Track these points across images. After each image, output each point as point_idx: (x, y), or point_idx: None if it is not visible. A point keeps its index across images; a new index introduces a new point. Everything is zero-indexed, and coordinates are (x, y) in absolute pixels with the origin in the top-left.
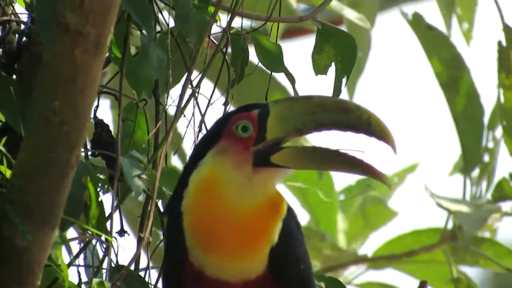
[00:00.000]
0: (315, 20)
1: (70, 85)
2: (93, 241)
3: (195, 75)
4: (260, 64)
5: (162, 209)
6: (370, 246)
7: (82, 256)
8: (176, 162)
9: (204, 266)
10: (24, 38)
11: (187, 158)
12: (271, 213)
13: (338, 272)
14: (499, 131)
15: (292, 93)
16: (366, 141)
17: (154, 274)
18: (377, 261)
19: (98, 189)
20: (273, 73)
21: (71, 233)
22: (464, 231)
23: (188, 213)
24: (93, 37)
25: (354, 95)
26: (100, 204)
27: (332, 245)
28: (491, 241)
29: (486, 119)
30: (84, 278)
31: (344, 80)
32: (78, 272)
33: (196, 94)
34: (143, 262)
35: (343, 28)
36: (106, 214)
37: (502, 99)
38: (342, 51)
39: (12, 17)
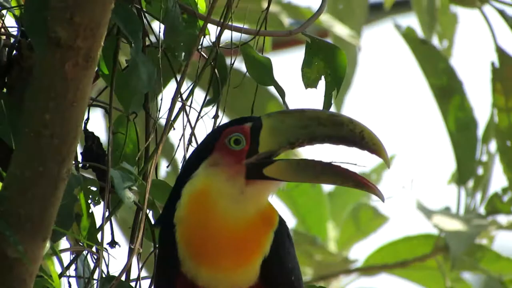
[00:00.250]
0: (304, 34)
1: (60, 98)
2: (84, 252)
3: (185, 87)
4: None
5: (152, 221)
6: (361, 252)
7: (73, 267)
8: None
9: (196, 278)
10: (14, 52)
11: (179, 170)
12: (263, 225)
13: (330, 280)
14: (493, 145)
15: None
16: (358, 154)
17: (145, 285)
18: (369, 270)
19: (89, 201)
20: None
21: (63, 244)
22: (451, 250)
23: (181, 224)
24: (83, 50)
25: (342, 110)
26: (91, 216)
27: (323, 250)
28: (486, 249)
29: (480, 132)
30: None
31: (334, 93)
32: (69, 283)
33: (186, 107)
34: (134, 272)
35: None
36: (97, 226)
37: (496, 119)
38: (331, 64)
39: (2, 30)
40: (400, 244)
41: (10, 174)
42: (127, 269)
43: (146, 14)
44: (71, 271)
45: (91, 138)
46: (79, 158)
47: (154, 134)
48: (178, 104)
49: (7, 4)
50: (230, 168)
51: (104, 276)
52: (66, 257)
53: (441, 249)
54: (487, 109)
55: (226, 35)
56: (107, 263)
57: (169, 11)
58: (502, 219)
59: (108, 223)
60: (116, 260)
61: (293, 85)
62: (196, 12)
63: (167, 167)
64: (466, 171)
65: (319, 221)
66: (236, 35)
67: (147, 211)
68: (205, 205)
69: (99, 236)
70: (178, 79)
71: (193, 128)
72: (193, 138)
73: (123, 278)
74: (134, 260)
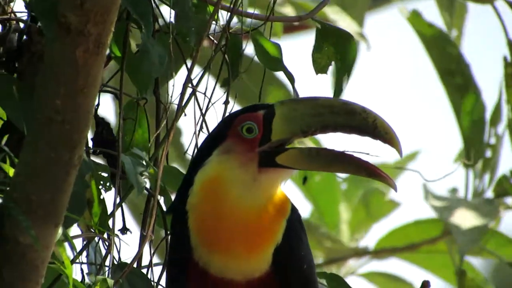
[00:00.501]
0: (314, 20)
1: (71, 84)
2: (96, 239)
3: (196, 73)
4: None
5: (164, 207)
6: (372, 236)
7: (84, 253)
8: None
9: (208, 265)
10: (24, 37)
11: (186, 155)
12: (275, 213)
13: (341, 263)
14: (501, 127)
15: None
16: (370, 143)
17: (156, 271)
18: (380, 253)
19: (100, 187)
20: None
21: (74, 230)
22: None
23: (193, 212)
24: (94, 36)
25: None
26: (102, 202)
27: (333, 238)
28: (494, 232)
29: (488, 115)
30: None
31: (345, 78)
32: (81, 270)
33: (197, 93)
34: (146, 259)
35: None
36: (109, 212)
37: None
38: (341, 50)
39: (12, 15)
40: (410, 228)
41: (22, 160)
42: (139, 256)
43: (156, 0)
44: (83, 258)
45: (101, 124)
46: (90, 144)
47: (165, 120)
48: (189, 90)
49: None
50: (243, 155)
51: (115, 262)
52: (78, 244)
53: (450, 232)
54: (495, 93)
55: (236, 20)
56: (118, 250)
57: None
58: (510, 201)
59: (119, 209)
60: (128, 246)
61: (303, 70)
62: None
63: (185, 153)
64: (474, 153)
65: (332, 204)
66: (246, 20)
67: (159, 197)
68: (218, 192)
69: (110, 222)
70: (188, 65)
71: (203, 114)
72: (203, 124)
73: (134, 265)
74: (146, 247)
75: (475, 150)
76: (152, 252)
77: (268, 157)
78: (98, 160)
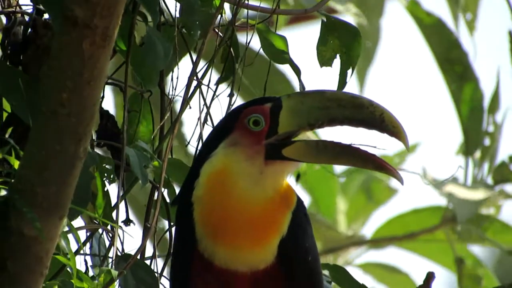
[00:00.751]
0: (320, 12)
1: (77, 77)
2: (99, 230)
3: (200, 66)
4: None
5: (167, 199)
6: (370, 225)
7: (88, 245)
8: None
9: (213, 257)
10: (29, 30)
11: (187, 147)
12: (281, 205)
13: (339, 253)
14: (499, 116)
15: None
16: (376, 136)
17: (160, 263)
18: (378, 242)
19: (104, 179)
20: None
21: (78, 222)
22: (457, 215)
23: (199, 203)
24: (100, 29)
25: (364, 86)
26: (106, 194)
27: (331, 228)
28: (493, 219)
29: (486, 103)
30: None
31: (349, 71)
32: (85, 261)
33: (202, 86)
34: (149, 251)
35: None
36: (112, 204)
37: None
38: (347, 43)
39: (17, 8)
40: (409, 216)
41: (27, 152)
42: (143, 247)
43: None
44: (87, 249)
45: (106, 117)
46: (94, 136)
47: (169, 112)
48: (193, 83)
49: None
50: (250, 148)
51: (119, 254)
52: (81, 235)
53: (449, 221)
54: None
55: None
56: (122, 241)
57: None
58: (510, 188)
59: (123, 201)
60: (131, 238)
61: (308, 62)
62: None
63: (187, 145)
64: (473, 142)
65: (329, 195)
66: (252, 13)
67: (162, 189)
68: (224, 184)
69: (114, 214)
70: (193, 57)
71: (208, 107)
72: (208, 117)
73: (138, 256)
74: (149, 239)
75: (474, 138)
76: (155, 243)
77: (275, 149)
78: (102, 153)
